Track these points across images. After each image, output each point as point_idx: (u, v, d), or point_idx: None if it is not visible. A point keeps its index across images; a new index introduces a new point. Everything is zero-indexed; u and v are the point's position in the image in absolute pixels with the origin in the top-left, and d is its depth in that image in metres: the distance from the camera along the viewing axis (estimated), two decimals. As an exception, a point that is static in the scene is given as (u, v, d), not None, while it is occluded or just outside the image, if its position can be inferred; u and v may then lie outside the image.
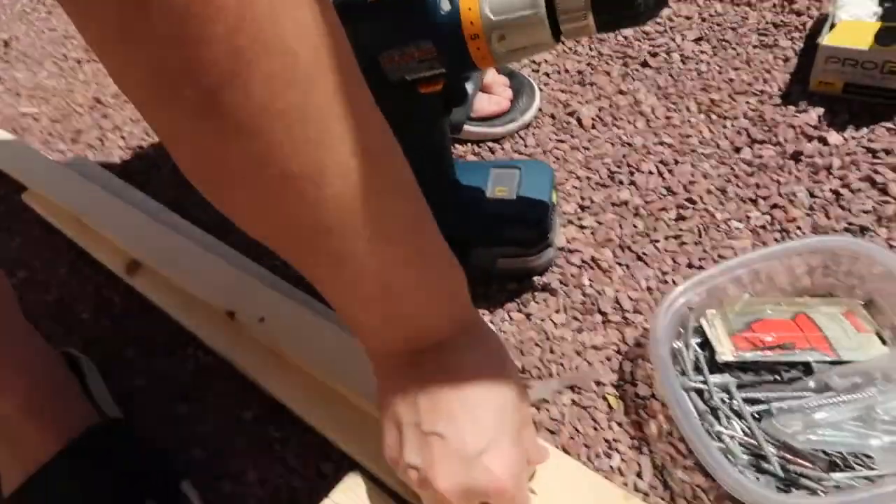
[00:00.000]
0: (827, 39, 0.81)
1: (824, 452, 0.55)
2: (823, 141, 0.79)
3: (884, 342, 0.61)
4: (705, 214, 0.76)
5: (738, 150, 0.81)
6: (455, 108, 0.65)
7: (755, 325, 0.63)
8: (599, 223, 0.78)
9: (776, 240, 0.72)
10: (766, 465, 0.55)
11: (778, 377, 0.60)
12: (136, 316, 0.82)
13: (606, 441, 0.62)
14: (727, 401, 0.59)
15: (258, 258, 0.85)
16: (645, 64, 0.94)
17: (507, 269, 0.73)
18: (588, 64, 0.96)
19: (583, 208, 0.80)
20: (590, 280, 0.73)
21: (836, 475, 0.54)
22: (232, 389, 0.74)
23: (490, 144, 0.90)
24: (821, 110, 0.82)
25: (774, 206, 0.75)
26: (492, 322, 0.72)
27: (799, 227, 0.72)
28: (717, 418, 0.58)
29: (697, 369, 0.62)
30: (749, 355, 0.61)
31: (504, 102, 0.90)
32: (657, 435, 0.61)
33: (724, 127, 0.84)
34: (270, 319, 0.73)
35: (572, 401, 0.65)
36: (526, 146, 0.89)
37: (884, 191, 0.73)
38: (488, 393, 0.49)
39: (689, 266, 0.72)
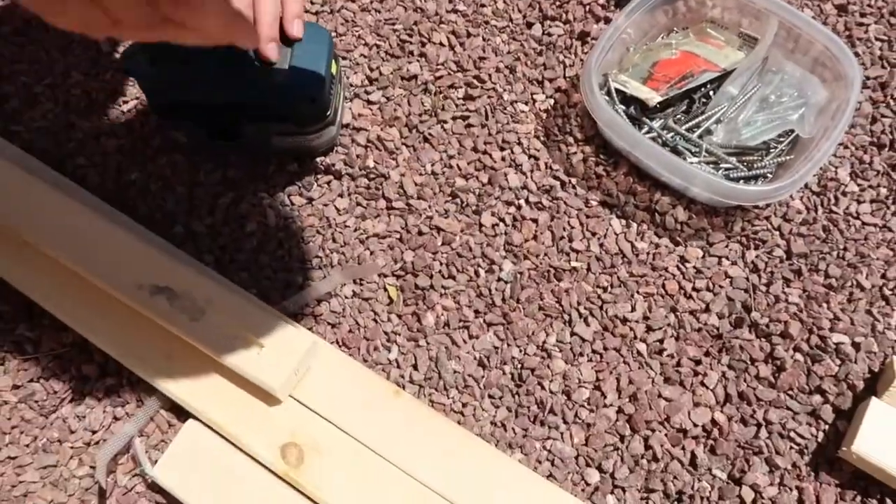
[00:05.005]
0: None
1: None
2: (608, 21, 0.79)
3: (739, 49, 0.72)
4: (493, 95, 0.75)
5: (529, 25, 0.79)
6: None
7: (657, 66, 0.70)
8: (387, 99, 0.74)
9: (557, 125, 0.73)
10: (734, 174, 0.66)
11: (691, 101, 0.70)
12: None
13: (385, 334, 0.62)
14: (674, 137, 0.68)
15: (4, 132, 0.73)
16: (443, -84, 0.87)
17: (285, 147, 0.68)
18: None
19: (371, 81, 0.75)
20: (375, 162, 0.71)
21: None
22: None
23: (271, -2, 0.81)
24: (610, -12, 0.81)
25: (559, 89, 0.75)
26: (270, 207, 0.68)
27: (578, 115, 0.74)
28: (681, 154, 0.66)
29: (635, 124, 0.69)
30: (671, 92, 0.68)
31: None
32: (434, 326, 0.62)
33: (518, -2, 0.81)
34: (5, 196, 0.63)
35: (353, 293, 0.64)
36: (312, 3, 0.80)
37: (657, 80, 0.75)
38: None
39: (475, 150, 0.72)
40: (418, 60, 0.77)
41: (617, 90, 0.71)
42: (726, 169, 0.66)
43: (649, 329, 0.61)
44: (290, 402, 0.56)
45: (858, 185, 0.67)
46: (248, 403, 0.56)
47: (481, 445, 0.55)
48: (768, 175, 0.66)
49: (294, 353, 0.55)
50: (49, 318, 0.63)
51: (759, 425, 0.57)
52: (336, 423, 0.55)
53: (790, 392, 0.58)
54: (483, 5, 0.81)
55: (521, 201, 0.68)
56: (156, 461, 0.56)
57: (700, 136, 0.67)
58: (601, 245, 0.65)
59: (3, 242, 0.62)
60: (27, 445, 0.59)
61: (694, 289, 0.63)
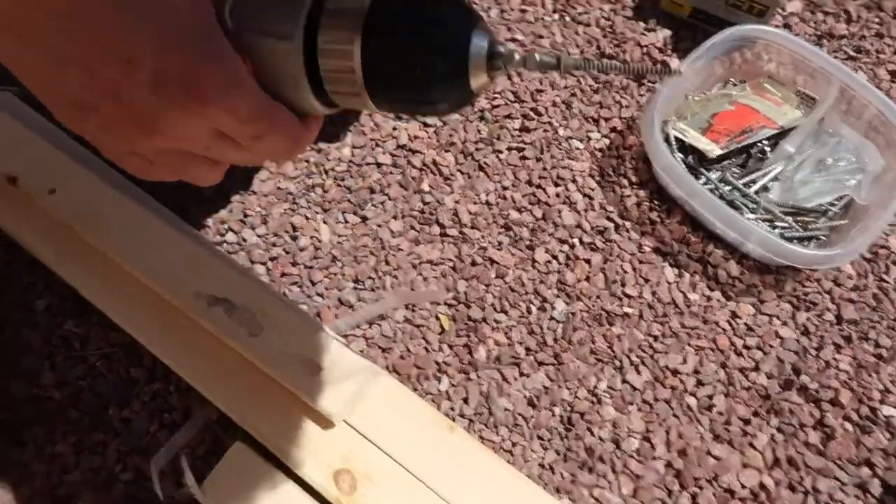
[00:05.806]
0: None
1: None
2: (666, 66, 0.80)
3: (796, 108, 0.73)
4: (549, 129, 0.75)
5: (588, 62, 0.79)
6: None
7: (716, 118, 0.71)
8: (444, 123, 0.74)
9: (612, 166, 0.73)
10: (788, 233, 0.67)
11: (747, 156, 0.71)
12: None
13: (437, 364, 0.62)
14: (731, 191, 0.69)
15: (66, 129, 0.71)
16: (507, -57, 0.87)
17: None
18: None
19: (429, 103, 0.75)
20: (430, 186, 0.70)
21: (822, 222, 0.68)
22: (21, 272, 0.64)
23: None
24: (668, 32, 0.82)
25: (614, 129, 0.76)
26: (324, 222, 0.67)
27: (633, 157, 0.74)
28: (737, 208, 0.67)
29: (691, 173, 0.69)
30: (731, 145, 0.69)
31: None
32: (486, 360, 0.62)
33: (577, 34, 0.82)
34: (62, 191, 0.62)
35: (405, 318, 0.64)
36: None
37: (711, 129, 0.76)
38: None
39: (529, 183, 0.72)
40: (477, 87, 0.77)
41: (675, 138, 0.71)
42: (781, 227, 0.67)
43: (699, 383, 0.62)
44: (343, 427, 0.56)
45: (907, 255, 0.68)
46: (301, 424, 0.55)
47: (533, 489, 0.55)
48: (821, 237, 0.67)
49: (352, 378, 0.54)
50: (97, 316, 0.61)
51: (806, 493, 0.57)
52: (389, 452, 0.55)
53: (839, 462, 0.58)
54: (541, 37, 0.81)
55: (575, 240, 0.68)
56: (201, 472, 0.56)
57: (756, 193, 0.68)
58: (654, 293, 0.66)
59: (58, 238, 0.61)
60: (73, 445, 0.58)
61: (745, 346, 0.63)
